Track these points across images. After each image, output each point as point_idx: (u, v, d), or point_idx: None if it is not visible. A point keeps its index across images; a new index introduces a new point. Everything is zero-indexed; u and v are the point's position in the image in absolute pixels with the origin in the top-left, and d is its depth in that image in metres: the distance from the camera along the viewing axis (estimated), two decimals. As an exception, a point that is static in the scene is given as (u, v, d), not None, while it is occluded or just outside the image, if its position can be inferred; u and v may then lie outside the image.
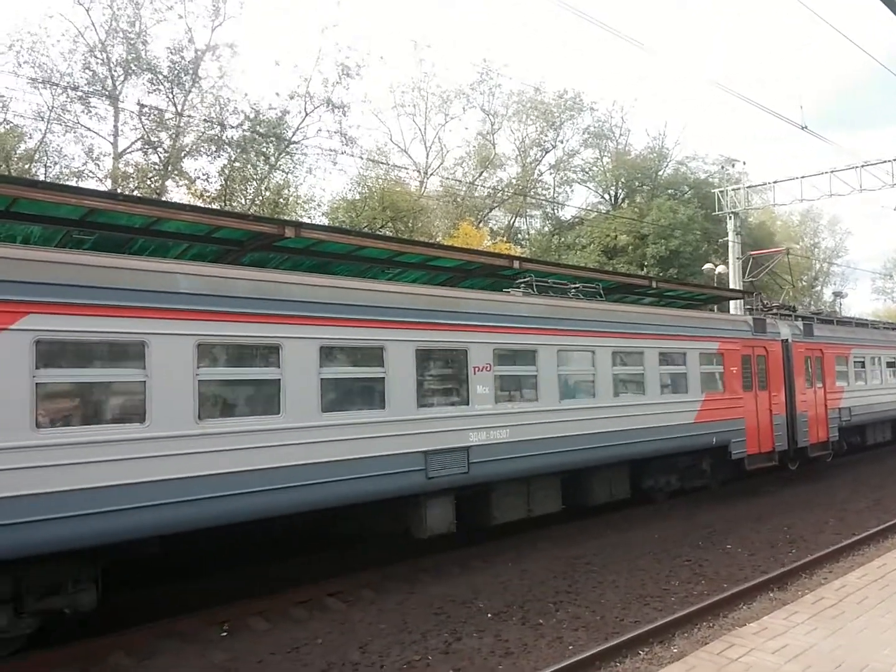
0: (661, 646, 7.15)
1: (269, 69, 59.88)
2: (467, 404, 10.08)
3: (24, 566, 6.56)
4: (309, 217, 33.39)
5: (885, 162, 27.83)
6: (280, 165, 32.37)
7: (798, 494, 15.49)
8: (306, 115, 32.28)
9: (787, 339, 17.01)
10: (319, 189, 67.30)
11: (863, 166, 28.67)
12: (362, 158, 35.61)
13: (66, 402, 6.92)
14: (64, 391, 6.93)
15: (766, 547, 11.13)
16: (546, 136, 43.97)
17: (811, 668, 4.50)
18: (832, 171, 29.87)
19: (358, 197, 35.97)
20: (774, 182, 32.20)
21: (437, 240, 33.10)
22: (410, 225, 35.08)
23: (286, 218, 26.64)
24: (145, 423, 7.06)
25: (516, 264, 13.57)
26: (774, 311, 18.70)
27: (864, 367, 20.64)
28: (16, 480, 6.18)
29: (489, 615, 8.14)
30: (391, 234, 30.56)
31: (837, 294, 49.09)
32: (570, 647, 7.18)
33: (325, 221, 33.33)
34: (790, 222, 64.74)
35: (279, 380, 8.09)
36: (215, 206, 28.12)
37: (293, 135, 32.09)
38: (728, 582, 9.26)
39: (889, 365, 22.37)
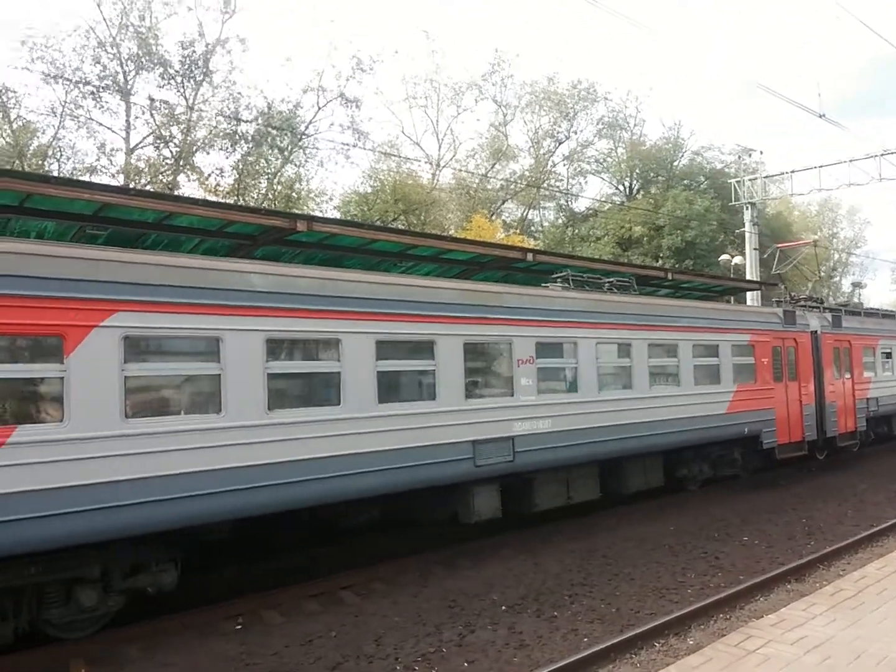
0: (677, 637, 7.10)
1: (280, 63, 59.49)
2: (512, 395, 10.44)
3: (113, 547, 7.01)
4: (321, 211, 33.51)
5: (902, 150, 27.43)
6: (293, 159, 32.45)
7: (816, 486, 15.35)
8: (319, 108, 32.36)
9: (816, 331, 17.19)
10: (331, 182, 67.31)
11: (882, 154, 28.29)
12: (374, 151, 35.60)
13: (151, 393, 7.41)
14: (149, 384, 7.40)
15: (784, 539, 11.04)
16: (559, 126, 43.74)
17: (830, 659, 4.44)
18: (850, 161, 29.49)
19: (370, 190, 35.99)
20: (792, 172, 31.84)
21: (450, 232, 33.02)
22: (423, 218, 35.06)
23: (298, 212, 26.74)
24: (221, 413, 7.48)
25: (530, 257, 13.51)
26: (802, 303, 18.77)
27: (890, 357, 20.79)
28: (109, 467, 6.61)
29: (503, 608, 8.12)
30: (403, 227, 30.57)
31: (857, 284, 48.59)
32: (586, 639, 7.14)
33: (336, 215, 33.43)
34: (808, 212, 64.05)
35: (339, 373, 8.49)
36: (229, 200, 28.23)
37: (306, 128, 32.17)
38: (745, 574, 9.18)
39: None
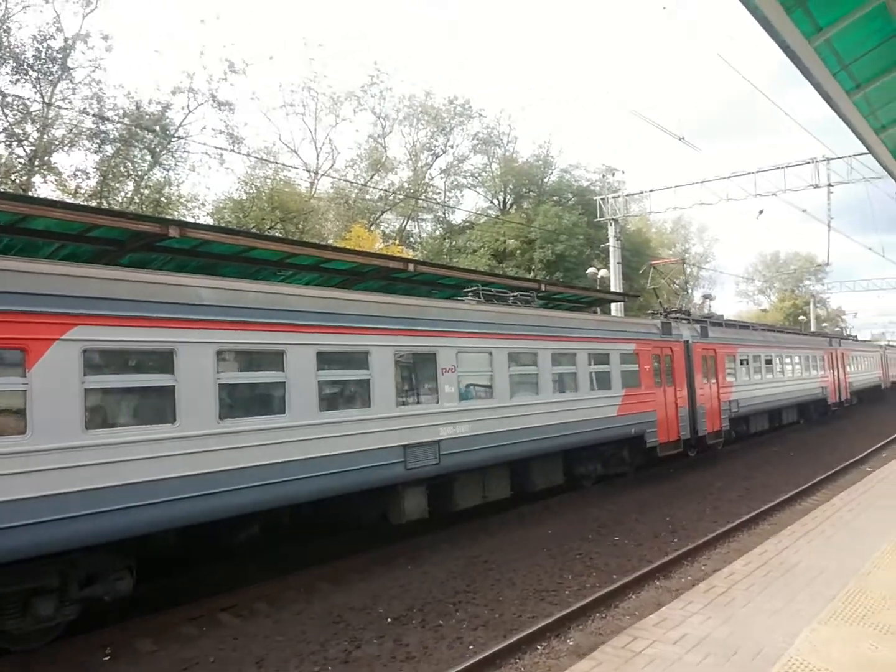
0: (557, 639, 7.35)
1: (149, 58, 56.48)
2: (437, 402, 11.13)
3: (70, 557, 7.11)
4: (192, 217, 32.07)
5: (748, 174, 30.02)
6: (162, 162, 30.88)
7: (678, 486, 16.32)
8: (189, 111, 31.03)
9: (687, 341, 19.00)
10: (204, 188, 64.61)
11: (729, 177, 30.74)
12: (250, 157, 34.59)
13: (109, 405, 7.54)
14: (107, 395, 7.50)
15: (651, 537, 11.66)
16: (436, 140, 44.49)
17: (710, 657, 4.71)
18: (703, 182, 31.83)
19: (245, 197, 34.90)
20: (651, 191, 33.98)
21: (329, 242, 32.63)
22: (301, 226, 34.42)
23: (169, 217, 25.44)
24: (175, 423, 7.69)
25: (411, 267, 13.56)
26: (675, 315, 20.68)
27: (747, 364, 23.05)
28: (67, 478, 6.73)
29: (389, 620, 8.08)
30: (281, 235, 29.83)
31: (707, 296, 52.36)
32: (471, 647, 7.24)
33: (209, 222, 32.08)
34: (664, 229, 68.60)
35: (284, 382, 8.89)
36: (91, 204, 26.39)
37: (175, 131, 30.75)
38: (617, 573, 9.63)
39: (766, 362, 24.86)
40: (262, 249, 11.49)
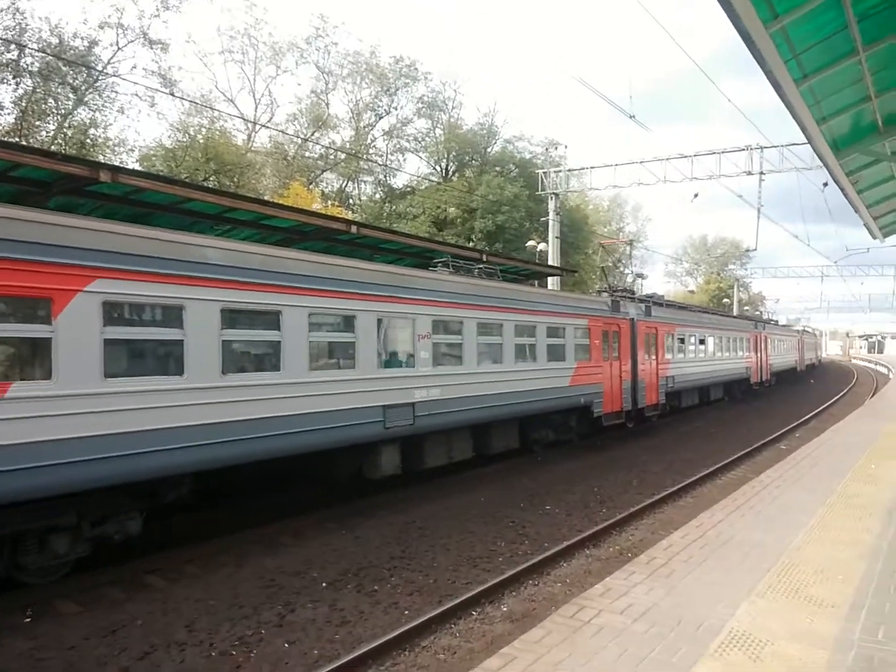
0: (491, 605, 7.45)
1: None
2: (413, 367, 11.89)
3: (85, 497, 7.49)
4: (120, 162, 30.42)
5: (686, 157, 30.67)
6: (88, 101, 29.07)
7: (607, 458, 16.76)
8: (119, 48, 29.26)
9: (633, 318, 20.15)
10: (133, 132, 61.50)
11: (668, 159, 31.35)
12: (184, 100, 32.97)
13: (125, 355, 7.95)
14: (123, 346, 7.90)
15: (581, 507, 11.95)
16: (380, 101, 43.50)
17: (656, 627, 4.81)
18: (642, 162, 32.36)
19: (177, 145, 33.35)
20: (591, 168, 34.29)
21: (266, 198, 31.63)
22: (237, 181, 33.22)
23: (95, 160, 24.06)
24: (184, 375, 8.23)
25: (354, 229, 13.27)
26: (620, 293, 21.73)
27: (683, 343, 24.58)
28: (88, 423, 7.20)
29: (324, 584, 8.03)
30: (215, 188, 28.70)
31: (639, 275, 53.72)
32: (406, 612, 7.26)
33: (138, 168, 30.54)
34: (601, 207, 69.57)
35: (280, 342, 9.50)
36: (9, 140, 24.69)
37: (103, 69, 28.94)
38: (549, 541, 9.83)
39: (700, 342, 26.47)
40: (200, 201, 10.99)
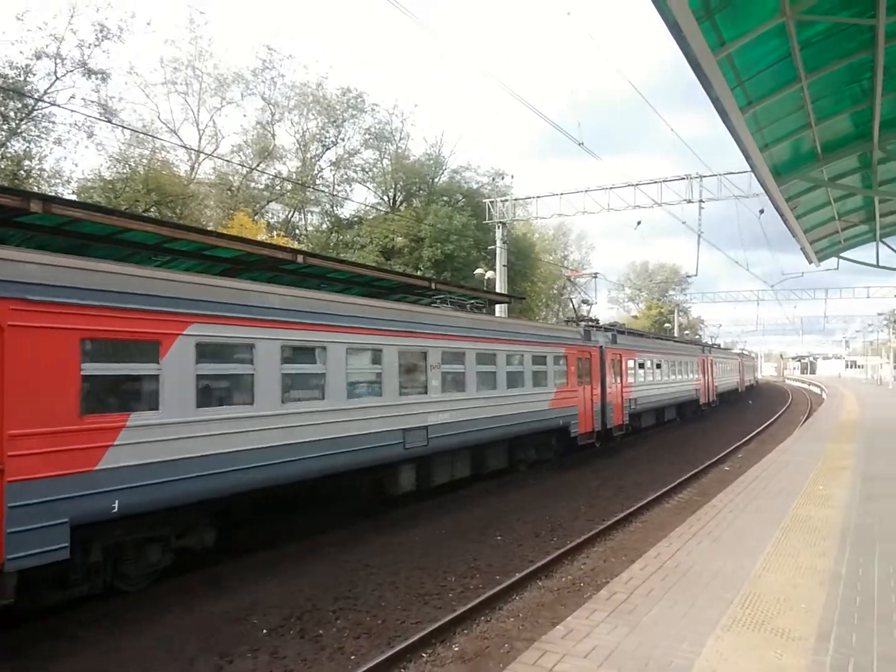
0: (442, 646, 7.18)
1: (10, 20, 51.63)
2: (426, 393, 13.22)
3: (174, 511, 8.47)
4: (56, 194, 29.47)
5: (629, 186, 31.44)
6: (22, 131, 28.17)
7: (557, 484, 16.64)
8: (56, 78, 28.52)
9: (602, 346, 21.96)
10: (70, 164, 59.81)
11: (611, 188, 32.09)
12: (124, 129, 32.22)
13: (211, 388, 9.13)
14: (210, 380, 9.08)
15: (532, 536, 11.76)
16: (327, 132, 43.44)
17: (622, 671, 4.65)
18: (586, 190, 33.06)
19: (117, 176, 32.54)
20: (537, 197, 34.88)
21: (210, 229, 31.01)
22: (179, 212, 32.57)
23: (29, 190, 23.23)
24: (253, 405, 9.46)
25: (300, 259, 13.03)
26: (586, 323, 23.78)
27: (643, 367, 26.53)
28: (186, 447, 8.36)
29: (264, 631, 7.62)
30: (156, 218, 28.02)
31: (585, 302, 54.35)
32: (353, 658, 6.94)
33: (73, 199, 29.65)
34: (546, 235, 70.62)
35: (324, 374, 10.82)
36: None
37: (39, 98, 28.14)
38: (500, 574, 9.59)
39: (657, 366, 28.55)
40: (139, 231, 10.60)
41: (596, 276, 35.21)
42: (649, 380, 27.30)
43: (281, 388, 9.87)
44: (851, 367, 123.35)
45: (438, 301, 15.78)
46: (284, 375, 10.00)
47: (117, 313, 7.76)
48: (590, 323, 24.10)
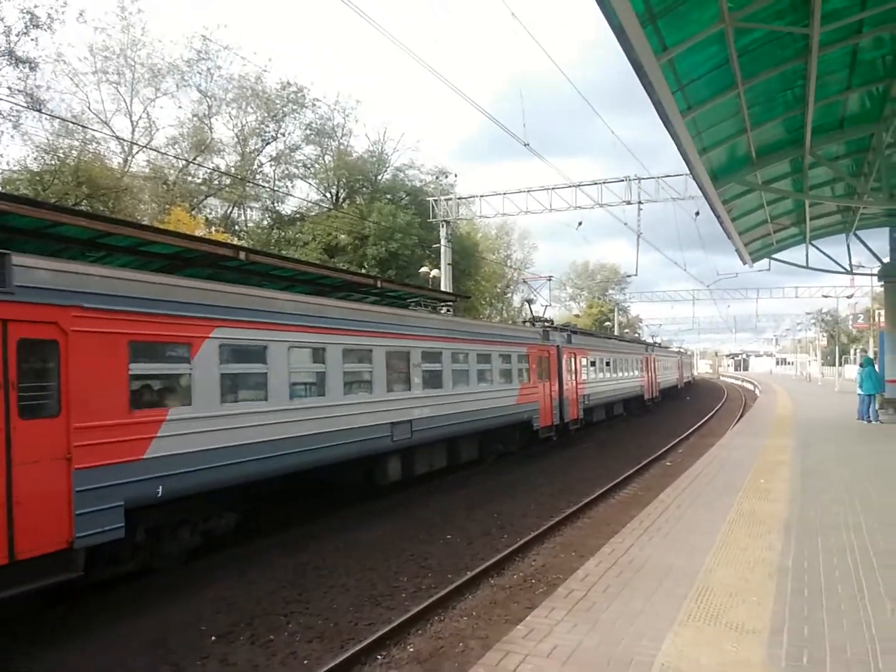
0: (397, 647, 7.09)
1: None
2: (410, 390, 14.38)
3: (197, 498, 9.29)
4: (-21, 186, 28.03)
5: (570, 187, 31.93)
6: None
7: (504, 483, 16.72)
8: (-22, 64, 27.04)
9: (559, 345, 23.37)
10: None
11: (553, 188, 32.54)
12: (54, 118, 30.78)
13: (231, 385, 10.09)
14: (230, 378, 10.04)
15: (481, 534, 11.75)
16: (267, 126, 42.58)
17: (585, 669, 4.54)
18: (529, 191, 33.46)
19: (45, 168, 31.12)
20: (481, 196, 35.09)
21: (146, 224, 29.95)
22: (111, 206, 31.38)
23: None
24: (268, 400, 10.38)
25: (242, 255, 12.65)
26: (541, 323, 24.93)
27: (594, 365, 28.06)
28: (213, 438, 9.30)
29: (213, 638, 7.36)
30: (88, 211, 26.88)
31: (528, 301, 54.92)
32: (305, 662, 6.79)
33: None
34: (489, 234, 71.11)
35: (324, 372, 11.88)
36: None
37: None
38: (452, 572, 9.55)
39: (607, 364, 30.03)
40: (71, 226, 10.13)
41: (550, 279, 36.55)
42: (600, 377, 28.90)
43: (288, 386, 10.93)
44: (781, 364, 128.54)
45: (412, 304, 16.93)
46: (291, 374, 11.14)
47: (157, 318, 8.66)
48: (546, 324, 25.08)
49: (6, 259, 7.03)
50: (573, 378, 24.35)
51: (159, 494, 8.38)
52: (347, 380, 12.45)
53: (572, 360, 24.51)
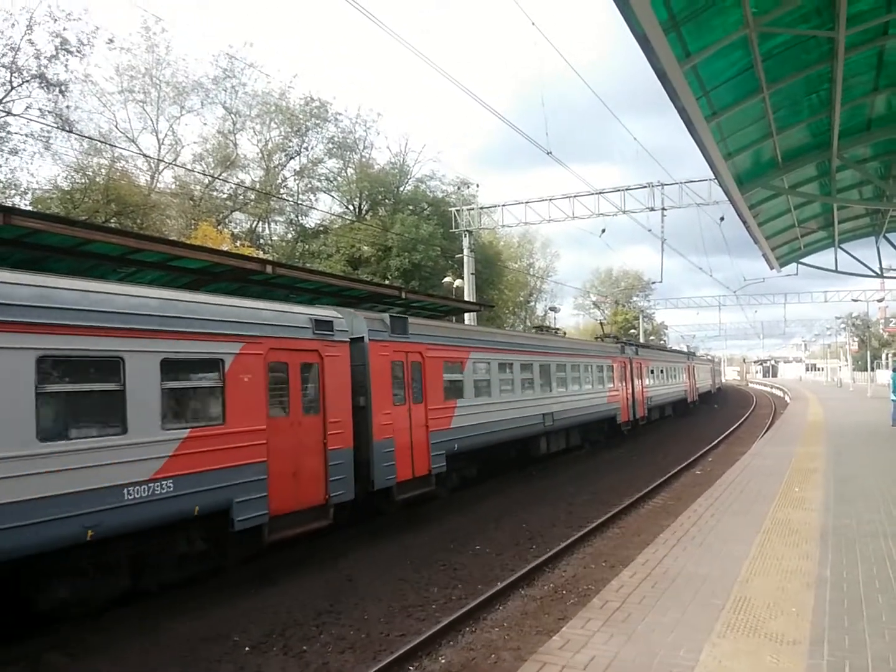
0: (429, 658, 7.08)
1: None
2: (551, 391, 20.24)
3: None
4: (12, 205, 28.61)
5: (593, 194, 31.81)
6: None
7: (532, 491, 16.66)
8: (12, 87, 27.74)
9: (631, 358, 28.96)
10: (27, 174, 58.20)
11: (575, 196, 32.46)
12: (82, 139, 31.43)
13: (481, 386, 16.46)
14: (480, 382, 16.44)
15: (511, 545, 11.70)
16: (290, 141, 43.08)
17: None
18: (551, 199, 33.37)
19: (75, 187, 31.76)
20: (503, 205, 35.06)
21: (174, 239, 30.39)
22: (140, 222, 31.93)
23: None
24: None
25: (269, 269, 12.83)
26: (618, 339, 32.26)
27: (653, 373, 33.35)
28: (473, 418, 15.33)
29: (247, 649, 7.43)
30: (119, 228, 27.34)
31: (552, 309, 54.94)
32: (339, 674, 6.81)
33: (32, 210, 28.80)
34: (511, 243, 71.07)
35: (512, 378, 17.84)
36: None
37: (-6, 107, 27.36)
38: (482, 583, 9.52)
39: (661, 371, 35.37)
40: (103, 243, 10.33)
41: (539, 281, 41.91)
42: (658, 382, 34.62)
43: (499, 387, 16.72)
44: (811, 369, 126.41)
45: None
46: (502, 380, 16.98)
47: (456, 349, 15.06)
48: (620, 340, 32.37)
49: (406, 320, 13.62)
50: (640, 383, 30.02)
51: (455, 449, 14.22)
52: (523, 384, 18.26)
53: (640, 368, 30.27)
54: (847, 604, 5.98)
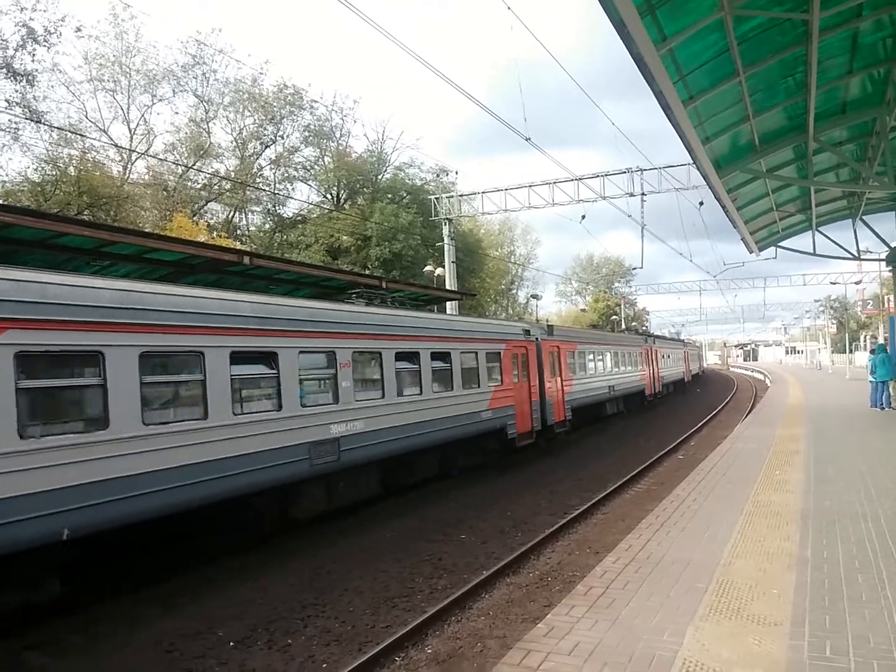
0: (415, 648, 7.06)
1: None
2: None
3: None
4: (-20, 199, 28.09)
5: (572, 180, 31.82)
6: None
7: (514, 480, 16.66)
8: (-25, 79, 27.09)
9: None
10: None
11: (555, 182, 32.44)
12: (52, 129, 30.79)
13: (576, 365, 24.63)
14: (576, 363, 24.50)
15: (496, 533, 11.69)
16: (265, 129, 42.59)
17: (608, 666, 4.53)
18: (531, 185, 33.34)
19: (46, 179, 31.16)
20: (483, 192, 34.97)
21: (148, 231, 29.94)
22: (113, 214, 31.43)
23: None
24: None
25: (246, 260, 12.68)
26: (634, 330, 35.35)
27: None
28: (577, 389, 24.09)
29: (231, 644, 7.35)
30: (92, 221, 26.91)
31: (534, 296, 54.96)
32: (325, 666, 6.77)
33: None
34: (492, 230, 71.03)
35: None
36: None
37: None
38: (467, 572, 9.50)
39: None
40: (76, 236, 10.14)
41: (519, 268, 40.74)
42: (667, 365, 39.68)
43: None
44: (791, 352, 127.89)
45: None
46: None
47: (569, 344, 23.15)
48: (640, 332, 36.79)
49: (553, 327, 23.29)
50: (657, 366, 35.74)
51: (573, 406, 21.18)
52: (602, 366, 27.38)
53: (656, 354, 36.06)
54: (828, 584, 6.02)
